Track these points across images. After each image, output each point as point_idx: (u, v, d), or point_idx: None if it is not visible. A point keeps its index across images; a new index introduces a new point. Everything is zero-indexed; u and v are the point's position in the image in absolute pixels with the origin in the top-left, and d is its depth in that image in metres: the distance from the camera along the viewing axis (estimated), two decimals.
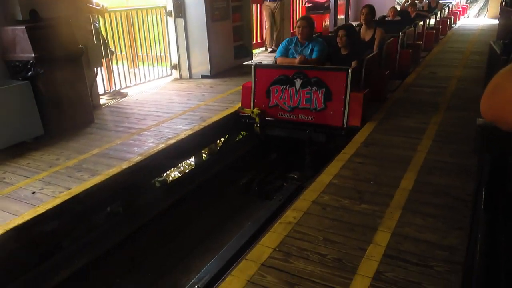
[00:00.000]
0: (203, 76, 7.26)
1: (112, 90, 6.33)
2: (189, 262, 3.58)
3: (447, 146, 3.79)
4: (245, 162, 5.18)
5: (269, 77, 4.71)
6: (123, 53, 6.75)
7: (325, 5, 12.02)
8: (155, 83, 7.10)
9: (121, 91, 6.42)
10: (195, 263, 3.54)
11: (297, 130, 4.63)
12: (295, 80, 4.54)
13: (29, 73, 4.24)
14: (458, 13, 16.01)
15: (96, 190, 3.38)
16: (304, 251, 2.42)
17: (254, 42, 9.15)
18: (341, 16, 14.04)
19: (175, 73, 7.52)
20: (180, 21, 7.13)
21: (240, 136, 5.79)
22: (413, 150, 3.73)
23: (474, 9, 23.88)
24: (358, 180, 3.26)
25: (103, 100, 5.99)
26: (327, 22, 12.11)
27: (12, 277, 2.94)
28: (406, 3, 11.84)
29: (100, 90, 6.01)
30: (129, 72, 6.71)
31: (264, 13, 9.62)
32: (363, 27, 5.83)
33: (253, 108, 4.79)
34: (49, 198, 3.18)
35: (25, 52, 4.22)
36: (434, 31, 9.95)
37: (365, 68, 4.55)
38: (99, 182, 3.42)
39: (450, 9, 13.74)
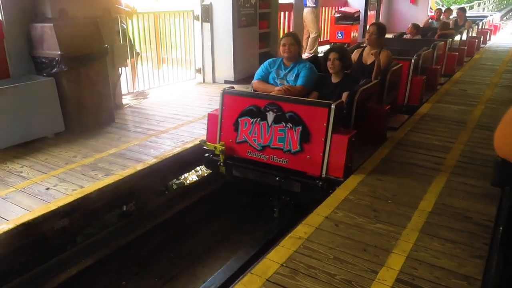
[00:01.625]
0: (226, 81, 7.26)
1: (135, 90, 6.40)
2: (197, 269, 3.53)
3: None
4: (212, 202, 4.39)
5: (238, 106, 3.79)
6: (149, 54, 6.83)
7: (355, 15, 11.90)
8: (178, 86, 7.15)
9: (144, 91, 6.48)
10: (203, 271, 3.48)
11: (267, 174, 3.67)
12: (267, 113, 3.62)
13: (54, 70, 4.32)
14: (489, 32, 13.89)
15: (108, 190, 3.38)
16: (312, 269, 2.32)
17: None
18: None
19: (199, 77, 7.55)
20: (207, 25, 7.16)
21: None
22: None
23: (510, 25, 23.10)
24: (375, 197, 3.13)
25: (125, 100, 6.06)
26: (356, 33, 11.98)
27: (20, 271, 2.96)
28: (430, 19, 10.78)
29: (124, 90, 6.08)
30: (153, 74, 6.77)
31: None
32: (366, 48, 4.89)
33: (218, 143, 3.86)
34: (62, 196, 3.20)
35: (52, 49, 4.30)
36: (457, 53, 8.45)
37: (358, 101, 3.68)
38: (112, 183, 3.42)
39: (480, 28, 12.15)
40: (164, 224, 3.84)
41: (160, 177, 4.11)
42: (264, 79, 4.13)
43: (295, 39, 4.01)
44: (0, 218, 2.90)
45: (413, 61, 5.43)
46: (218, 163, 3.87)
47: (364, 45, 5.07)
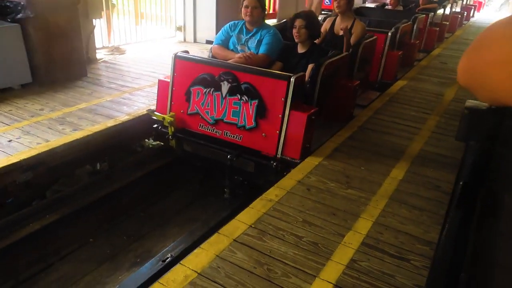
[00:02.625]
0: (208, 42, 7.02)
1: (110, 45, 6.13)
2: (167, 229, 3.49)
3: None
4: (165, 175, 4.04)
5: (191, 73, 3.38)
6: (126, 8, 6.50)
7: None
8: (157, 43, 6.88)
9: (120, 47, 6.22)
10: (172, 231, 3.45)
11: (219, 151, 3.35)
12: (222, 83, 3.25)
13: (19, 15, 4.05)
14: (473, 8, 13.76)
15: (76, 146, 3.26)
16: (280, 231, 2.31)
17: (266, 12, 8.83)
18: None
19: (179, 35, 7.29)
20: None
21: None
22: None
23: (495, 2, 23.11)
24: (348, 164, 3.12)
25: (100, 55, 5.80)
26: None
27: None
28: None
29: (98, 44, 5.81)
30: (130, 29, 6.47)
31: None
32: (338, 18, 4.42)
33: (169, 113, 3.50)
34: (25, 149, 3.06)
35: None
36: (438, 28, 8.08)
37: (323, 75, 3.29)
38: (80, 138, 3.29)
39: (464, 3, 11.91)
40: (136, 184, 3.76)
41: (133, 136, 3.98)
42: (225, 43, 3.71)
43: (260, 2, 3.58)
44: None
45: (389, 34, 5.07)
46: (166, 136, 3.55)
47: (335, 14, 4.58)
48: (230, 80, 3.20)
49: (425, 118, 4.13)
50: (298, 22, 3.48)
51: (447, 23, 9.09)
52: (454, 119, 4.13)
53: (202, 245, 2.17)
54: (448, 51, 7.75)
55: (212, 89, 3.30)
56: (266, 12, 3.70)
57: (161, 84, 3.63)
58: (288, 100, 3.04)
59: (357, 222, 2.42)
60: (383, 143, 3.50)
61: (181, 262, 2.05)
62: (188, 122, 3.49)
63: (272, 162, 3.13)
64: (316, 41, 3.86)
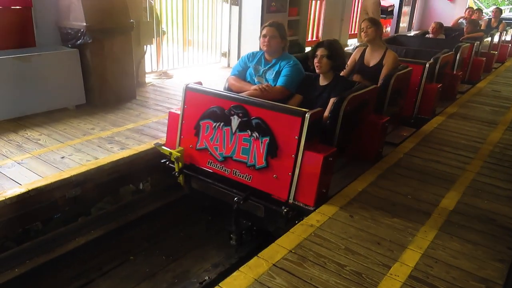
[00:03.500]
0: None
1: (159, 69, 6.38)
2: (206, 250, 3.48)
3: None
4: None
5: (201, 106, 3.12)
6: (175, 34, 6.79)
7: (389, 9, 11.59)
8: (203, 69, 7.09)
9: (168, 72, 6.46)
10: (211, 253, 3.43)
11: (227, 192, 3.03)
12: (232, 118, 2.95)
13: (79, 41, 4.33)
14: None
15: (122, 164, 3.36)
16: (321, 258, 2.23)
17: (309, 39, 8.93)
18: (403, 24, 13.46)
19: (224, 61, 7.48)
20: (236, 9, 7.07)
21: None
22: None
23: None
24: (394, 192, 3.00)
25: (148, 79, 6.05)
26: (388, 28, 11.65)
27: (28, 235, 2.98)
28: (462, 19, 9.57)
29: (148, 68, 6.07)
30: (178, 55, 6.73)
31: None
32: (368, 48, 4.10)
33: (177, 148, 3.23)
34: (76, 165, 3.20)
35: (78, 20, 4.30)
36: (485, 58, 7.35)
37: (346, 111, 2.99)
38: (126, 156, 3.40)
39: None
40: (178, 202, 3.79)
41: None
42: (242, 75, 3.50)
43: (279, 31, 3.33)
44: (13, 182, 2.91)
45: (427, 65, 4.59)
46: (173, 173, 3.25)
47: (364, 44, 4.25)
48: (241, 115, 2.90)
49: (477, 147, 3.92)
50: (320, 51, 3.17)
51: (496, 52, 8.46)
52: (509, 149, 3.90)
53: (241, 268, 2.13)
54: (501, 79, 7.40)
55: (222, 124, 3.01)
56: (287, 42, 3.46)
57: (171, 117, 3.38)
58: (302, 138, 2.69)
59: (404, 253, 2.29)
60: (415, 192, 3.34)
61: (219, 284, 2.01)
62: (196, 158, 3.21)
63: (283, 208, 2.76)
64: (343, 72, 3.61)
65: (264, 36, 3.32)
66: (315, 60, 3.19)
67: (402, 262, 2.21)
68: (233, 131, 2.96)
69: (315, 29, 9.49)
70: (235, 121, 2.94)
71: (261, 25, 6.80)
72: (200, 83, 3.27)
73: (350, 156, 3.39)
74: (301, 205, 2.74)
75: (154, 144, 3.40)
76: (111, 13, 4.47)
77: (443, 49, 5.39)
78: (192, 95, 3.19)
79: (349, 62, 4.12)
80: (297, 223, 2.57)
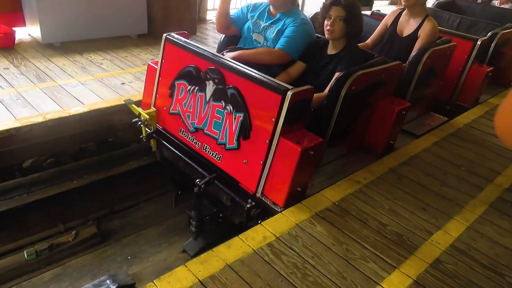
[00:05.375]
0: None
1: None
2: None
3: None
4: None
5: (179, 62, 2.57)
6: None
7: None
8: None
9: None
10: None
11: (195, 169, 2.54)
12: (207, 82, 2.39)
13: None
14: None
15: None
16: (364, 214, 2.24)
17: None
18: None
19: None
20: None
21: None
22: None
23: None
24: (447, 161, 2.90)
25: (209, 16, 6.00)
26: None
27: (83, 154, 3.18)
28: None
29: (210, 5, 6.00)
30: None
31: None
32: (404, 13, 3.28)
33: (150, 109, 2.73)
34: (135, 92, 3.32)
35: None
36: None
37: (349, 90, 2.37)
38: None
39: None
40: None
41: None
42: (238, 24, 2.86)
43: None
44: (77, 101, 3.08)
45: (479, 42, 3.64)
46: (141, 136, 2.79)
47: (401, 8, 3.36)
48: (216, 81, 2.34)
49: None
50: (334, 11, 2.49)
51: None
52: None
53: (284, 212, 2.19)
54: None
55: (196, 88, 2.47)
56: None
57: (150, 70, 2.86)
58: (279, 121, 2.10)
59: (449, 222, 2.25)
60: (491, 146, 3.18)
61: (262, 223, 2.09)
62: (169, 124, 2.71)
63: (250, 201, 2.26)
64: (369, 40, 3.13)
65: None
66: (327, 22, 2.52)
67: (446, 231, 2.18)
68: (207, 99, 2.41)
69: None
70: (210, 87, 2.38)
71: None
72: (185, 34, 2.69)
73: (351, 146, 2.79)
74: (268, 202, 2.23)
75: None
76: None
77: (506, 22, 4.29)
78: (171, 48, 2.63)
79: (378, 28, 3.38)
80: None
